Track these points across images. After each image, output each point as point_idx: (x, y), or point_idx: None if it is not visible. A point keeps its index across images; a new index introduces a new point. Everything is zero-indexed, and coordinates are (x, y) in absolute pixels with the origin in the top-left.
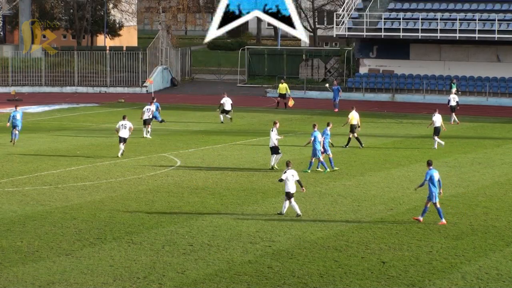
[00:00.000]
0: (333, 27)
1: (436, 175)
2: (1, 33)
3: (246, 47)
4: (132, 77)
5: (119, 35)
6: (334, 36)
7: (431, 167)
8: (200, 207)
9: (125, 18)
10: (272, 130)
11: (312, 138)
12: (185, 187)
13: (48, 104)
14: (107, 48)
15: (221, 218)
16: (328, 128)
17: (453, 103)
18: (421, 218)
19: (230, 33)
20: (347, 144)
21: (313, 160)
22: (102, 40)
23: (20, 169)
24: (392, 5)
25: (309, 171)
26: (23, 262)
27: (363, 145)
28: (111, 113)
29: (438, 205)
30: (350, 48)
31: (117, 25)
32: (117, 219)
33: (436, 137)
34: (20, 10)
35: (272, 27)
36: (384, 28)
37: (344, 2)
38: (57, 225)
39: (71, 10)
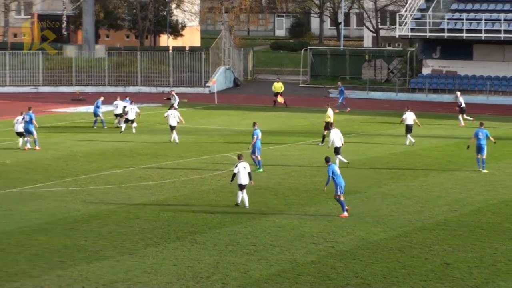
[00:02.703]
0: (396, 27)
1: (337, 169)
2: (65, 33)
3: (308, 47)
4: (195, 77)
5: (181, 35)
6: (397, 36)
7: (329, 163)
8: (263, 207)
9: (188, 18)
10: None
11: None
12: (248, 187)
13: (111, 104)
14: (170, 48)
15: (284, 218)
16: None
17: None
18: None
19: (292, 33)
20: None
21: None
22: (165, 40)
23: (84, 169)
24: (455, 6)
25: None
26: (87, 261)
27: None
28: None
29: (342, 198)
30: (413, 49)
31: (180, 25)
32: (181, 219)
33: (408, 135)
34: (83, 11)
35: (335, 27)
36: (447, 29)
37: (407, 2)
38: (120, 224)
39: (134, 11)
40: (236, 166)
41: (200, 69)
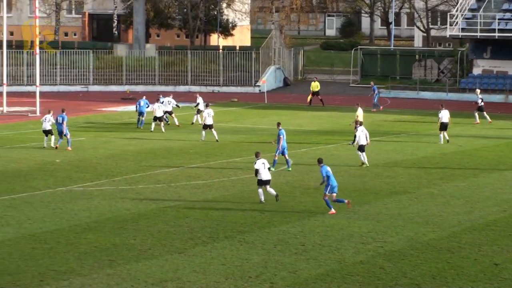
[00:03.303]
0: (446, 27)
1: (330, 170)
2: (116, 32)
3: (359, 47)
4: (245, 76)
5: (232, 34)
6: (448, 36)
7: (322, 165)
8: (312, 207)
9: (238, 18)
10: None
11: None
12: (297, 186)
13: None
14: (220, 47)
15: (333, 218)
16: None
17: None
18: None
19: (343, 33)
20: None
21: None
22: (215, 39)
23: (134, 168)
24: (506, 6)
25: (273, 169)
26: (136, 260)
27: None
28: (224, 113)
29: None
30: (464, 49)
31: (230, 25)
32: (230, 218)
33: (444, 133)
34: (134, 10)
35: (385, 27)
36: (498, 29)
37: (457, 2)
38: (170, 223)
39: (185, 10)
40: (255, 163)
41: (250, 69)
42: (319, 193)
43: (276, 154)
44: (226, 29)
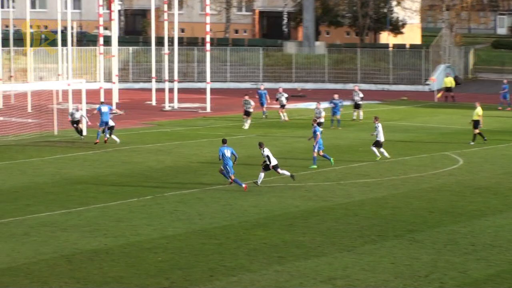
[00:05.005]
0: None
1: (228, 152)
2: (286, 30)
3: None
4: (414, 75)
5: (401, 32)
6: None
7: (224, 145)
8: (482, 207)
9: (408, 16)
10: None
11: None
12: (468, 186)
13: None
14: (390, 45)
15: (504, 218)
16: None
17: None
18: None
19: None
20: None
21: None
22: (385, 37)
23: (304, 165)
24: None
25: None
26: (305, 257)
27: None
28: (393, 111)
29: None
30: None
31: (400, 23)
32: (399, 217)
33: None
34: (304, 7)
35: None
36: None
37: None
38: (339, 221)
39: (354, 8)
40: (264, 150)
41: (420, 67)
42: (490, 193)
43: (315, 151)
44: (396, 27)
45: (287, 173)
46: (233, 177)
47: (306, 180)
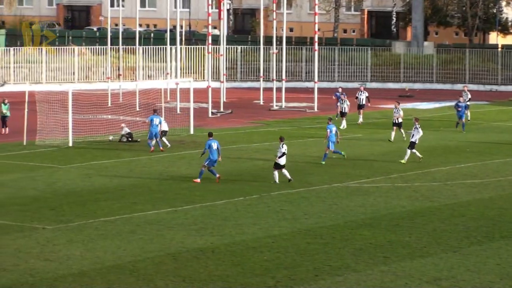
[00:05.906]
0: None
1: (214, 145)
2: (394, 29)
3: None
4: None
5: (511, 33)
6: None
7: (211, 138)
8: None
9: None
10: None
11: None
12: None
13: (439, 101)
14: (499, 46)
15: None
16: None
17: None
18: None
19: None
20: None
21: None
22: (494, 38)
23: (411, 166)
24: None
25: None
26: (411, 257)
27: None
28: (501, 112)
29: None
30: None
31: (510, 23)
32: (506, 218)
33: None
34: (412, 7)
35: None
36: None
37: None
38: (445, 221)
39: (464, 8)
40: (282, 147)
41: None
42: None
43: (330, 148)
44: (505, 28)
45: (288, 176)
46: (207, 167)
47: (412, 181)
